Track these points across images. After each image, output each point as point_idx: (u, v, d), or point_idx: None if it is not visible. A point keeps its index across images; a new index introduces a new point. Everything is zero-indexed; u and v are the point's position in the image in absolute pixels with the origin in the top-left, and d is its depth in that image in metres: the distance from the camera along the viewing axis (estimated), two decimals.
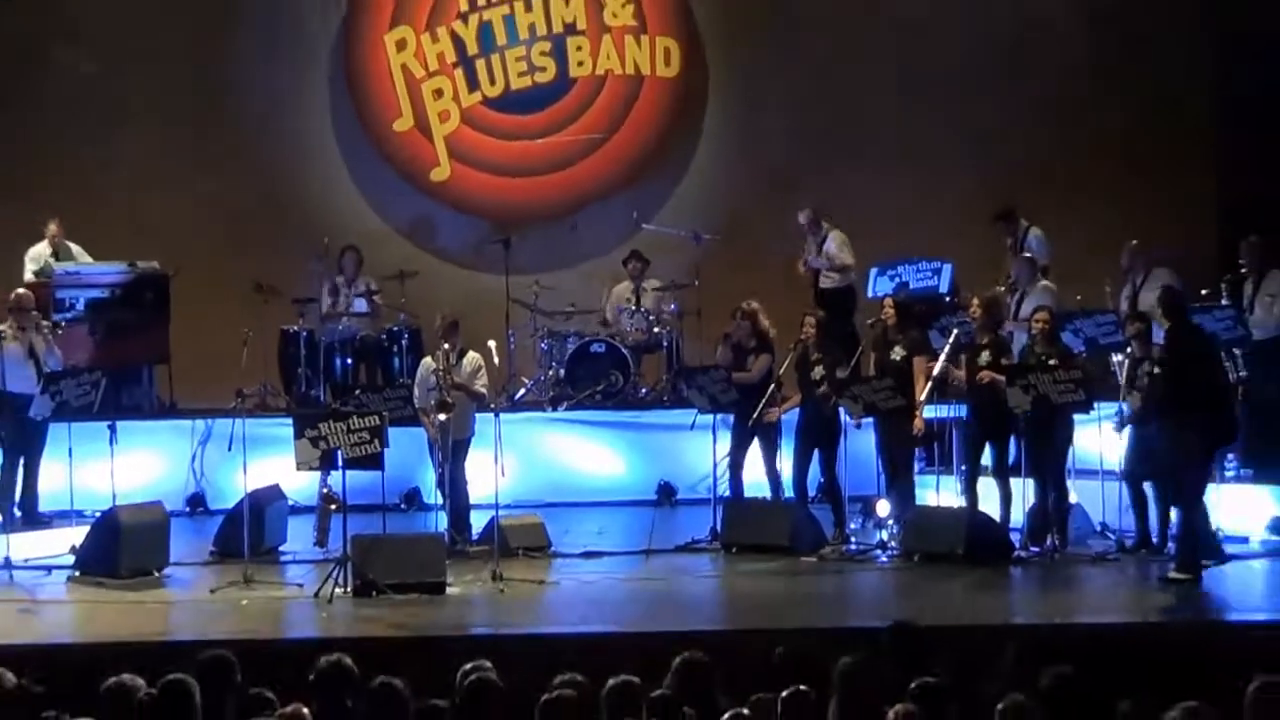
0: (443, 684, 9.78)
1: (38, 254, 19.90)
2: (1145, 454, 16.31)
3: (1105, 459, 16.85)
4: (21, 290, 17.99)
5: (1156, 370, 15.73)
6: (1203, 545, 15.18)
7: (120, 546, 15.78)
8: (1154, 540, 16.33)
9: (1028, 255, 19.07)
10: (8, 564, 16.05)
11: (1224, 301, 17.56)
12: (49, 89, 21.47)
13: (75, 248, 20.02)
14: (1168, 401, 15.39)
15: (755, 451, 17.51)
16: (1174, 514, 15.63)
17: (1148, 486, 16.38)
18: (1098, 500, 16.94)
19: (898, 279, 19.07)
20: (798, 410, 17.40)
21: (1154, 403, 15.68)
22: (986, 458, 16.90)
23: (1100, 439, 16.76)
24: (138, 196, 21.14)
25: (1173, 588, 14.86)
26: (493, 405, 17.41)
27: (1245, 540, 16.25)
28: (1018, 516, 16.68)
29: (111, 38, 21.60)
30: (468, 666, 9.89)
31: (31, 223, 20.06)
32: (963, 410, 17.11)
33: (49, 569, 16.18)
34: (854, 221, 20.09)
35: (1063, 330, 17.32)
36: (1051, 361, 16.38)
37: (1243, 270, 18.07)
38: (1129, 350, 16.58)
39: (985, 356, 16.76)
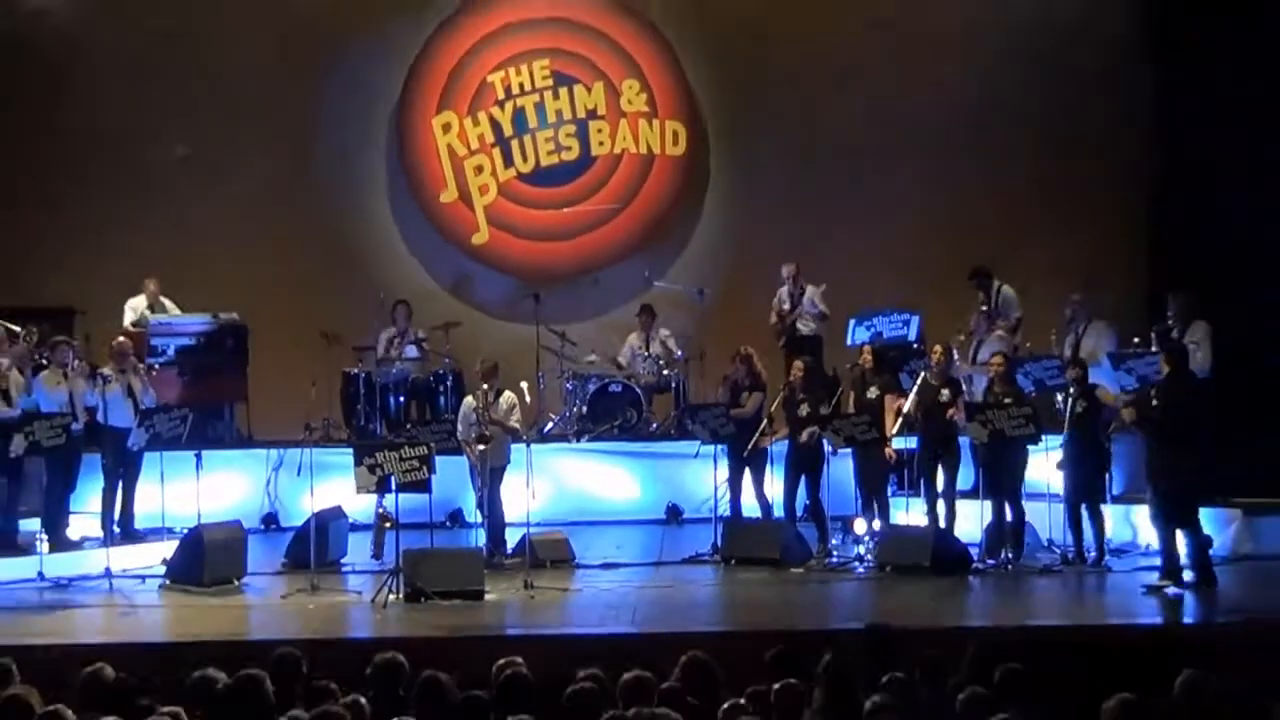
0: (482, 677, 9.79)
1: (136, 305, 19.95)
2: (1079, 481, 16.35)
3: (1050, 484, 16.80)
4: (122, 339, 18.01)
5: (1155, 402, 15.63)
6: (1169, 560, 15.21)
7: (204, 559, 15.79)
8: (1088, 555, 16.32)
9: (984, 309, 19.07)
10: (108, 574, 16.04)
11: (1154, 348, 17.50)
12: (149, 167, 21.49)
13: (168, 303, 20.06)
14: (1169, 435, 15.33)
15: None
16: (1181, 535, 15.31)
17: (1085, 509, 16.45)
18: (1044, 519, 16.91)
19: (873, 329, 19.05)
20: (786, 441, 17.39)
21: (1155, 435, 15.59)
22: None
23: (1047, 466, 16.73)
24: (221, 256, 21.12)
25: (1152, 595, 14.96)
26: (525, 437, 17.38)
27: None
28: (974, 533, 16.67)
29: (202, 126, 21.60)
30: (502, 661, 9.92)
31: (128, 279, 20.07)
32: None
33: (143, 578, 16.17)
34: (834, 277, 20.03)
35: (1014, 373, 17.35)
36: (1007, 400, 16.41)
37: (1170, 320, 18.02)
38: (1070, 390, 16.58)
39: (945, 394, 16.83)
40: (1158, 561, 15.94)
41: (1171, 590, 15.08)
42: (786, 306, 20.02)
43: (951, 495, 16.89)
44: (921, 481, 17.08)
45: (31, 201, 21.27)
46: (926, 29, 21.44)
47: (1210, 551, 15.64)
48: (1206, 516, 15.92)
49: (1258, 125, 18.50)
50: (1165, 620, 14.44)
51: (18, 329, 17.49)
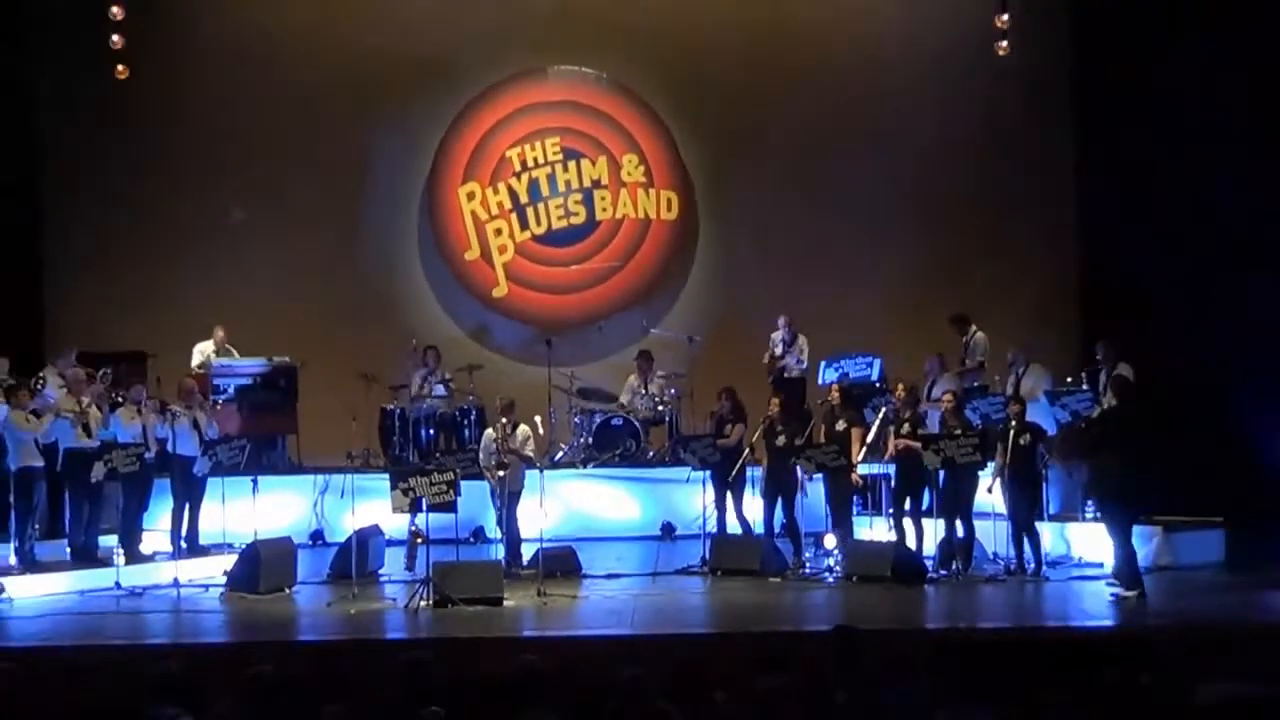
0: (503, 671, 9.74)
1: (204, 349, 19.93)
2: (1020, 502, 16.35)
3: (995, 505, 16.78)
4: (190, 379, 18.06)
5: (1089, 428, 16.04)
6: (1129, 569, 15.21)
7: (260, 570, 15.75)
8: (1028, 566, 16.28)
9: (939, 354, 19.07)
10: (176, 583, 15.99)
11: (1084, 387, 17.49)
12: (210, 229, 21.55)
13: (231, 348, 20.06)
14: (1114, 457, 15.40)
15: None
16: (1114, 543, 15.33)
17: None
18: (990, 536, 16.88)
19: (840, 370, 19.01)
20: (765, 467, 17.38)
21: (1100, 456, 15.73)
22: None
23: (993, 489, 16.71)
24: (275, 306, 21.15)
25: (1115, 601, 14.89)
26: (538, 465, 17.35)
27: (1100, 565, 16.15)
28: (929, 548, 16.66)
29: (260, 193, 21.66)
30: (520, 659, 9.87)
31: (193, 327, 20.07)
32: (889, 469, 17.10)
33: (207, 587, 16.12)
34: (805, 323, 20.01)
35: (963, 408, 17.38)
36: (957, 431, 16.41)
37: (1098, 363, 18.03)
38: (1012, 424, 16.57)
39: (906, 428, 16.82)
40: (1089, 572, 15.99)
41: (1120, 593, 15.06)
42: (779, 351, 19.99)
43: (918, 515, 16.86)
44: (889, 503, 17.10)
45: (108, 259, 21.32)
46: (883, 116, 21.49)
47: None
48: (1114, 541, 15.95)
49: (1168, 195, 18.59)
50: (1096, 623, 14.39)
51: (97, 371, 17.51)
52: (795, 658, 9.77)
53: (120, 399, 17.14)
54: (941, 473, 16.33)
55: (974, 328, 19.38)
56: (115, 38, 20.81)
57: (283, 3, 21.39)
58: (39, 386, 17.07)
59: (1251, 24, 18.04)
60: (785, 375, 19.87)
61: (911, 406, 17.11)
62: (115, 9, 20.73)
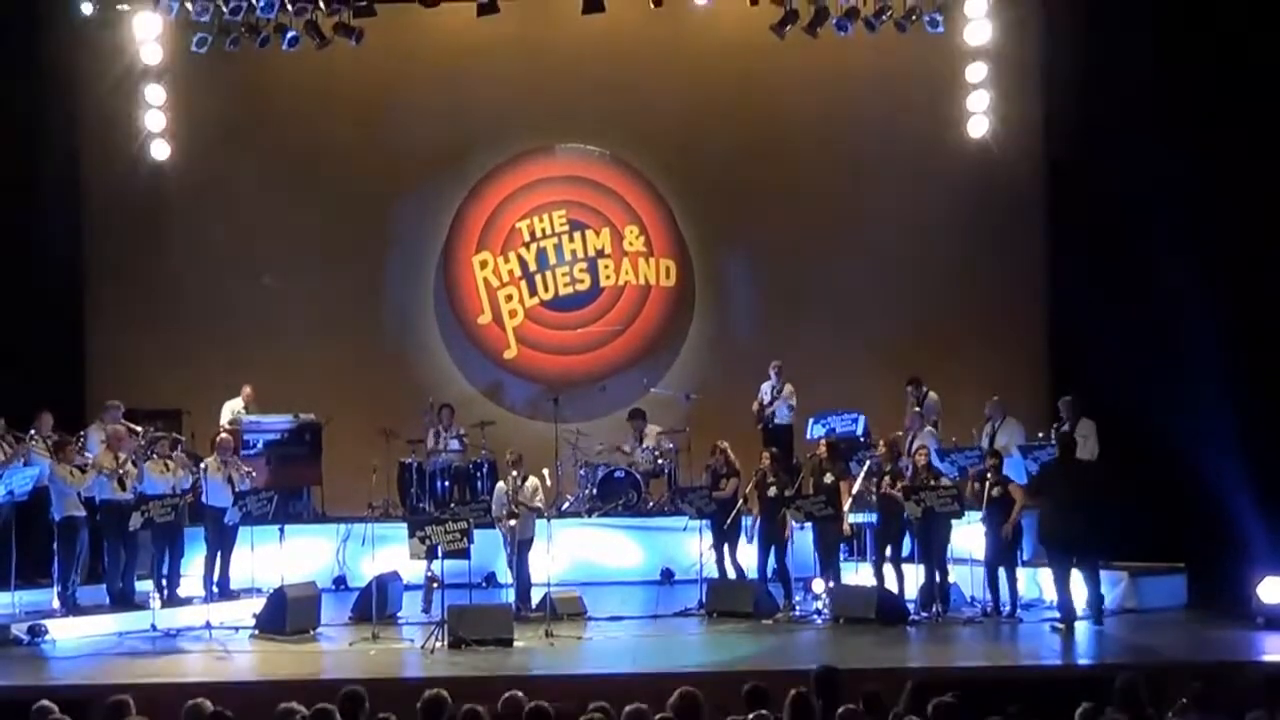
0: (512, 710, 9.72)
1: (233, 407, 19.92)
2: (996, 549, 16.38)
3: (972, 551, 16.80)
4: (225, 434, 18.11)
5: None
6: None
7: (287, 613, 15.79)
8: (1002, 609, 16.32)
9: (917, 410, 19.12)
10: (208, 625, 16.02)
11: (1053, 441, 17.51)
12: (242, 295, 21.62)
13: (257, 409, 20.10)
14: (1060, 502, 15.96)
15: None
16: (1085, 580, 15.88)
17: (1001, 571, 16.46)
18: (967, 580, 16.88)
19: (828, 425, 19.00)
20: (757, 517, 17.38)
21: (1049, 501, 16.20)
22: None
23: (970, 537, 16.74)
24: (301, 367, 21.16)
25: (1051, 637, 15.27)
26: (546, 515, 17.38)
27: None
28: (910, 591, 16.66)
29: (287, 261, 21.76)
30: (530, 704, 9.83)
31: (225, 385, 20.10)
32: (873, 518, 17.12)
33: (237, 629, 16.15)
34: (796, 381, 20.02)
35: (942, 461, 17.41)
36: (933, 482, 16.45)
37: (1062, 419, 18.07)
38: (988, 476, 16.62)
39: (888, 480, 16.85)
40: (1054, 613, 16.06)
41: (1058, 627, 15.49)
42: (766, 399, 20.00)
43: (898, 561, 16.86)
44: (873, 550, 17.12)
45: (146, 320, 21.31)
46: (865, 195, 21.50)
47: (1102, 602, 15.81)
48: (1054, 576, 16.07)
49: (1131, 264, 18.65)
50: (1066, 662, 14.39)
51: (137, 428, 17.56)
52: (783, 695, 9.73)
53: (150, 454, 17.15)
54: (921, 521, 16.38)
55: (926, 388, 19.45)
56: (156, 117, 21.04)
57: (313, 87, 21.39)
58: (81, 442, 17.15)
59: (1220, 113, 18.15)
60: (774, 422, 19.86)
61: (893, 460, 17.15)
62: (157, 87, 20.93)
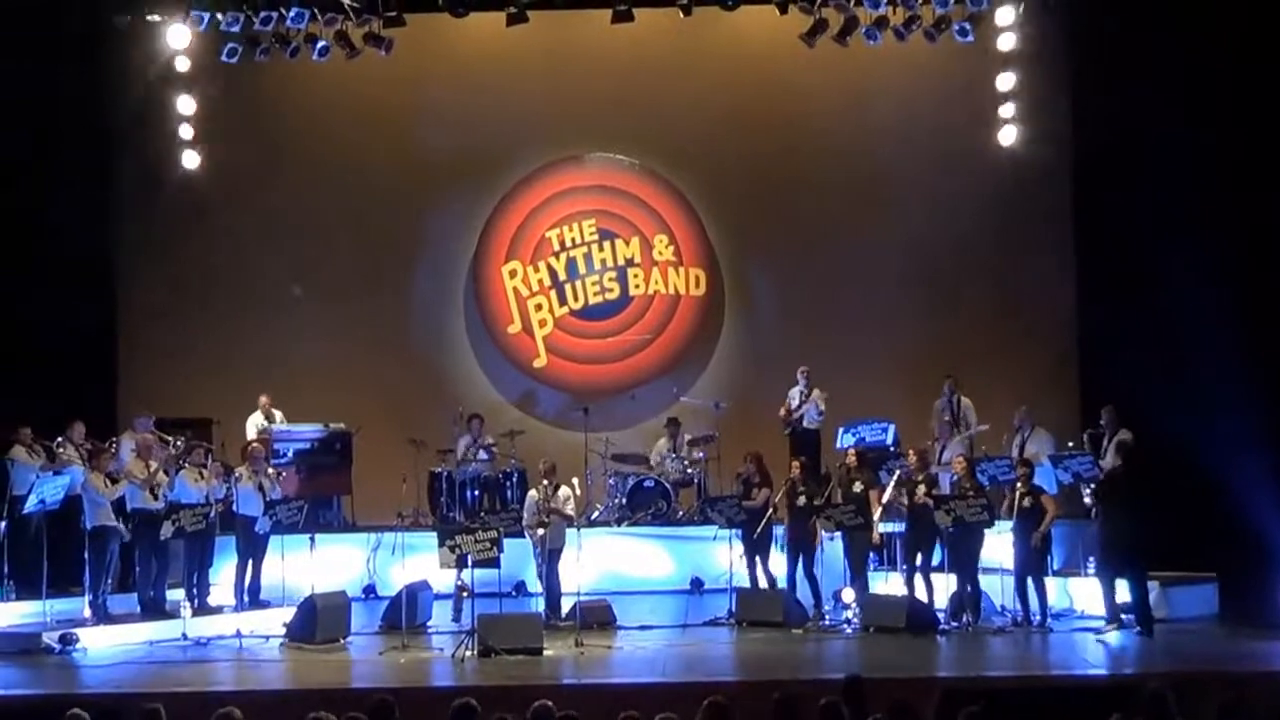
0: (542, 719, 9.74)
1: (255, 420, 19.98)
2: (1025, 559, 16.37)
3: (1003, 561, 16.79)
4: (256, 444, 18.22)
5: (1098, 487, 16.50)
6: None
7: (317, 621, 15.82)
8: (1034, 618, 16.30)
9: (947, 419, 19.13)
10: (238, 634, 16.10)
11: (1085, 450, 17.52)
12: (273, 304, 21.74)
13: (278, 413, 20.14)
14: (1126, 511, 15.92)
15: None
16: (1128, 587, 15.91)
17: (1031, 580, 16.46)
18: (997, 589, 16.86)
19: (857, 435, 18.97)
20: (787, 525, 17.40)
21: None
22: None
23: (1000, 546, 16.74)
24: (332, 377, 21.23)
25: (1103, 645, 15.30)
26: (576, 524, 17.41)
27: (1102, 618, 16.09)
28: (940, 601, 16.64)
29: (318, 272, 21.84)
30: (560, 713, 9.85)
31: (256, 394, 20.18)
32: (903, 527, 17.11)
33: (267, 637, 16.21)
34: (825, 389, 19.99)
35: (974, 470, 17.40)
36: (969, 492, 16.45)
37: (1101, 427, 18.06)
38: (1018, 486, 16.64)
39: (920, 490, 16.82)
40: (1091, 624, 16.00)
41: (1113, 633, 15.41)
42: (795, 404, 19.99)
43: (928, 571, 16.84)
44: (903, 559, 17.11)
45: (178, 330, 21.42)
46: (894, 200, 21.48)
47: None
48: (1128, 586, 15.97)
49: (1163, 269, 18.57)
50: (1096, 672, 14.35)
51: (168, 438, 17.64)
52: (812, 705, 9.74)
53: (183, 464, 17.23)
54: (951, 530, 16.38)
55: (959, 394, 19.49)
56: (187, 127, 21.18)
57: (343, 97, 21.49)
58: (114, 451, 17.25)
59: (1249, 117, 18.14)
60: (803, 426, 19.84)
61: (923, 470, 17.13)
62: (188, 98, 21.06)
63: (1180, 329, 18.11)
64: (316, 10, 19.98)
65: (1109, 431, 17.93)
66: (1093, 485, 16.70)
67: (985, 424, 19.35)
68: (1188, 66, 18.52)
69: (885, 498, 17.04)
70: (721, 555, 17.87)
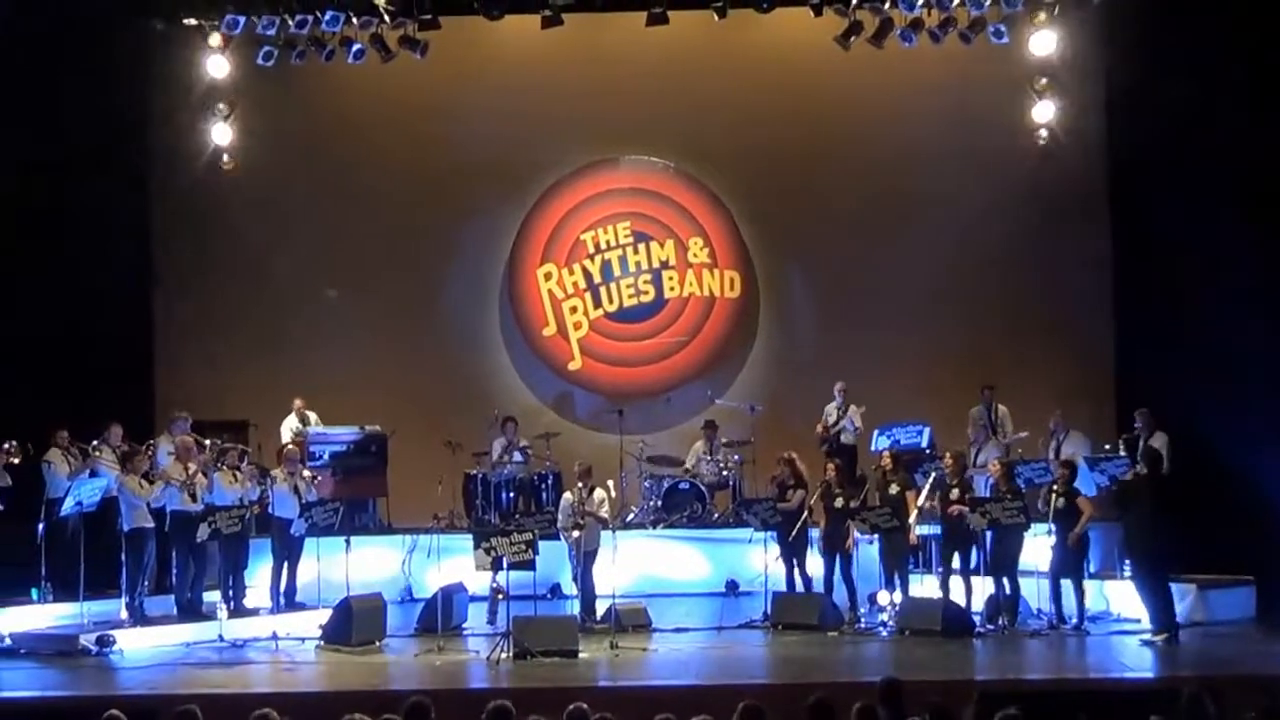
0: None
1: (290, 424, 20.03)
2: (1061, 561, 16.34)
3: (1039, 564, 16.74)
4: (292, 446, 18.29)
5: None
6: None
7: (353, 624, 15.86)
8: (1069, 621, 16.26)
9: (982, 423, 19.11)
10: (274, 636, 16.13)
11: (1121, 453, 17.48)
12: (310, 308, 21.81)
13: (312, 415, 20.19)
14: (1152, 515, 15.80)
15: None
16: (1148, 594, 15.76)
17: (1065, 583, 16.43)
18: (1034, 592, 16.81)
19: (893, 437, 18.96)
20: (823, 528, 17.39)
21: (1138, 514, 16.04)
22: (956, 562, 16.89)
23: (1036, 549, 16.69)
24: (368, 379, 21.27)
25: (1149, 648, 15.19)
26: (612, 526, 17.42)
27: (1138, 620, 16.05)
28: (977, 604, 16.60)
29: (354, 276, 21.90)
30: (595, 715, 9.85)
31: (292, 397, 20.26)
32: (938, 529, 17.08)
33: (303, 639, 16.24)
34: (859, 393, 19.99)
35: (1012, 474, 17.34)
36: (1006, 495, 16.42)
37: (1136, 430, 18.01)
38: (1054, 488, 16.60)
39: (955, 493, 16.79)
40: (1128, 626, 15.97)
41: (1161, 641, 15.29)
42: (832, 420, 19.98)
43: (966, 573, 16.80)
44: (938, 562, 17.09)
45: (214, 334, 21.51)
46: (930, 201, 21.40)
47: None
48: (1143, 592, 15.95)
49: (1200, 274, 18.52)
50: (1134, 675, 14.29)
51: (205, 440, 17.71)
52: (848, 708, 9.71)
53: (220, 466, 17.30)
54: (989, 534, 16.34)
55: (996, 403, 19.51)
56: (224, 130, 21.28)
57: (378, 100, 21.57)
58: (150, 453, 17.32)
59: None
60: (840, 441, 19.82)
61: (959, 473, 17.08)
62: (222, 105, 21.16)
63: (1218, 333, 18.03)
64: (351, 13, 20.04)
65: (1144, 434, 17.87)
66: (1112, 489, 16.71)
67: (1025, 431, 19.31)
68: (1228, 67, 18.41)
69: (920, 502, 17.01)
70: (756, 558, 17.87)
